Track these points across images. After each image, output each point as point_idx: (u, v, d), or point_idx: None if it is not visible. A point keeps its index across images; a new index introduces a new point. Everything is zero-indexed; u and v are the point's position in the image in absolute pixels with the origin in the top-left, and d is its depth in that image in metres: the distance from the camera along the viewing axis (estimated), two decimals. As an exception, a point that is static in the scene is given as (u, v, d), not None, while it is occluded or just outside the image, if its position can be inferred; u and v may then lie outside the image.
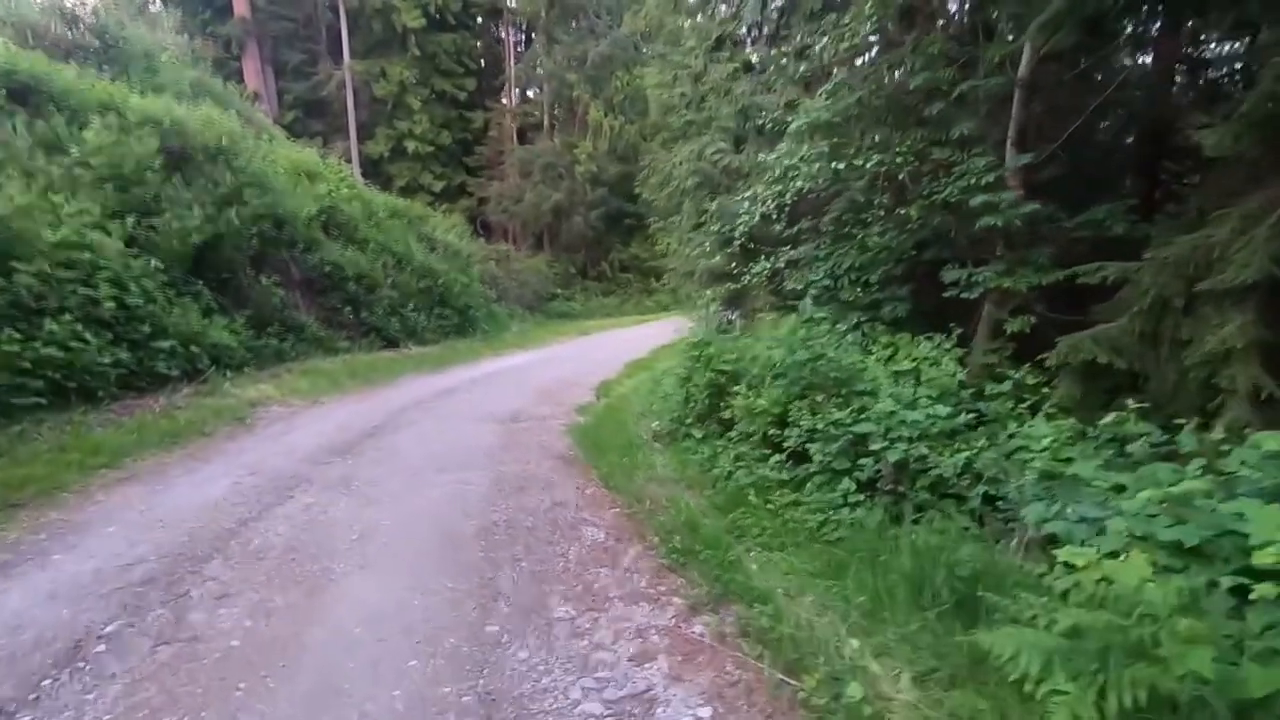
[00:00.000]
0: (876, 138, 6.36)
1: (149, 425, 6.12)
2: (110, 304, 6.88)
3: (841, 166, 5.58)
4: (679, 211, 11.49)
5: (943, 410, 4.11)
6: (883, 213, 5.80)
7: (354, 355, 12.07)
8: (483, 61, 33.02)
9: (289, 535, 3.89)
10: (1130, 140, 7.48)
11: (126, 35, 13.77)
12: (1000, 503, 3.46)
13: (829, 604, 2.94)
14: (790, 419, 4.87)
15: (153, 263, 7.98)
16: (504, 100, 32.91)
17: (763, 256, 7.58)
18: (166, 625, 2.75)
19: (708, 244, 8.42)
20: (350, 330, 12.67)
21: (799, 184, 5.99)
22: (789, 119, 7.15)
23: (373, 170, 28.25)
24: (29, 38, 11.36)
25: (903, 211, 5.80)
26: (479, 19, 33.12)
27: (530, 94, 32.29)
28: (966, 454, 3.81)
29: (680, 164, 9.36)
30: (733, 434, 5.49)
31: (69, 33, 12.28)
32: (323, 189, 13.41)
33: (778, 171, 6.38)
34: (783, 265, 7.39)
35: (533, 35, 32.64)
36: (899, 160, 5.75)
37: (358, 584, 3.27)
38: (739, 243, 7.39)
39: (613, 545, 3.98)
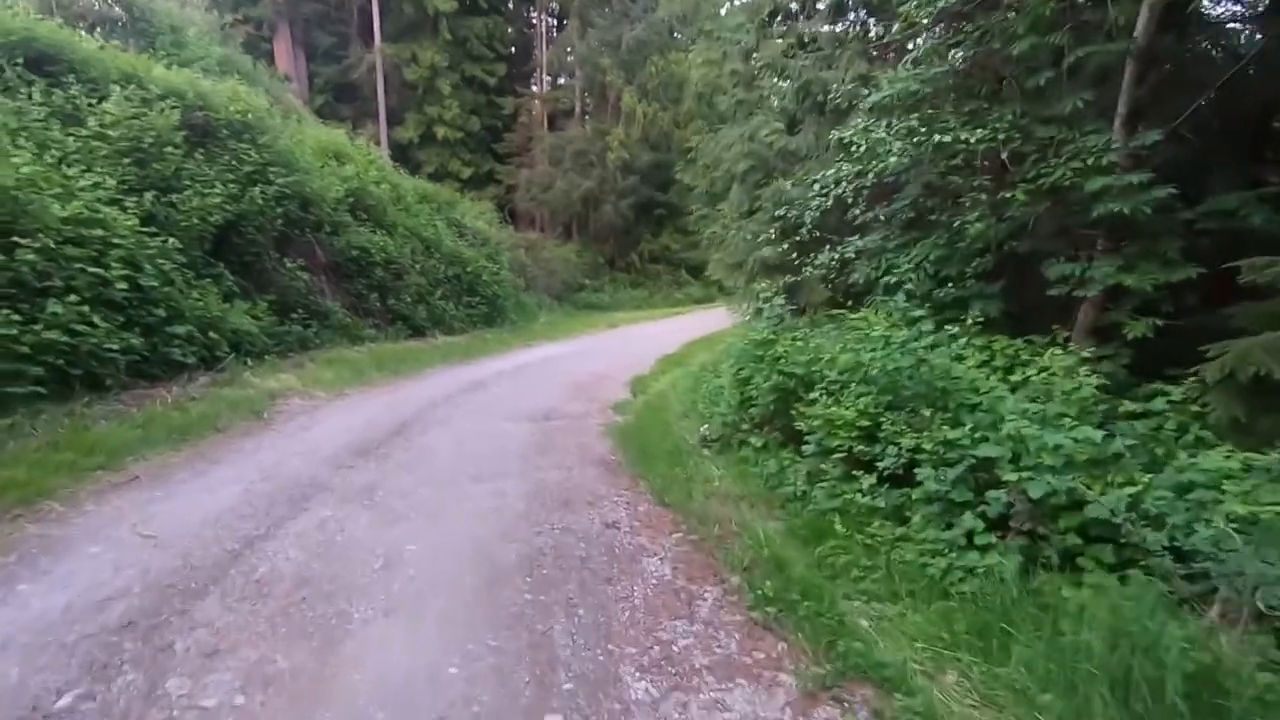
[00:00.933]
0: (968, 111, 5.55)
1: (158, 419, 5.58)
2: (122, 285, 6.34)
3: (947, 139, 4.80)
4: (724, 198, 10.75)
5: (1094, 433, 3.34)
6: (984, 195, 5.01)
7: (380, 344, 11.55)
8: (514, 47, 32.36)
9: (300, 562, 3.28)
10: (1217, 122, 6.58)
11: (154, 8, 13.36)
12: (1199, 559, 2.70)
13: (989, 693, 2.24)
14: (883, 434, 4.14)
15: (170, 242, 7.45)
16: (534, 86, 32.26)
17: (827, 246, 6.83)
18: (135, 698, 2.14)
19: (772, 231, 7.66)
20: (377, 318, 12.15)
21: (892, 160, 5.22)
22: (865, 92, 6.38)
23: (401, 156, 27.75)
24: (53, 7, 10.96)
25: (1005, 195, 5.00)
26: (510, 3, 32.47)
27: (561, 80, 31.59)
28: (1130, 490, 3.06)
29: (730, 147, 8.61)
30: (807, 446, 4.77)
31: (95, 3, 11.86)
32: (350, 170, 12.89)
33: (861, 148, 5.61)
34: (852, 256, 6.63)
35: (565, 20, 31.90)
36: (1002, 136, 4.96)
37: (380, 636, 2.64)
38: (807, 230, 6.64)
39: (684, 586, 3.30)
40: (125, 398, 6.07)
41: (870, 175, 5.37)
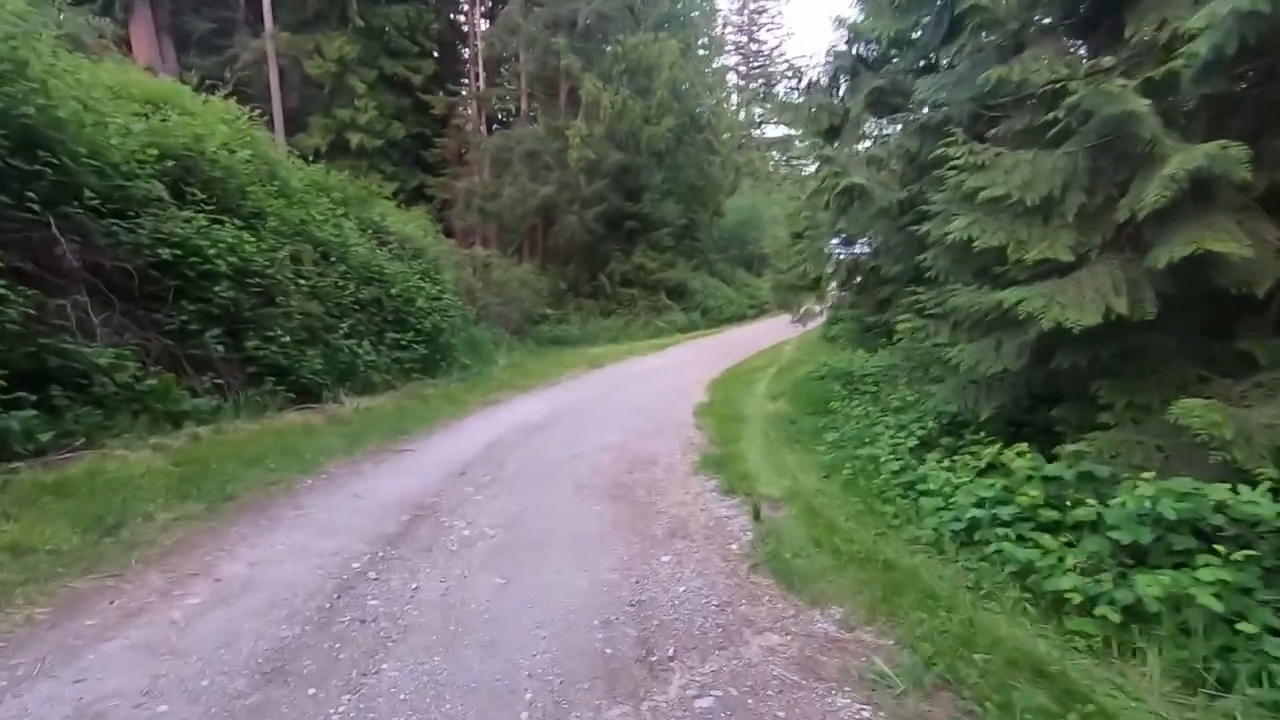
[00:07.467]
0: None
1: None
2: None
3: None
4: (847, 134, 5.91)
5: None
6: None
7: (222, 426, 5.95)
8: (440, 41, 27.15)
9: None
10: None
11: None
12: None
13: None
14: None
15: None
16: (468, 84, 27.02)
17: None
18: None
19: None
20: (222, 373, 6.53)
21: None
22: None
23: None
24: None
25: None
26: (436, -9, 27.34)
27: (502, 71, 26.42)
28: None
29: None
30: None
31: None
32: (182, 125, 7.29)
33: None
34: None
35: (501, 4, 26.92)
36: None
37: None
38: None
39: None
40: None
41: None
